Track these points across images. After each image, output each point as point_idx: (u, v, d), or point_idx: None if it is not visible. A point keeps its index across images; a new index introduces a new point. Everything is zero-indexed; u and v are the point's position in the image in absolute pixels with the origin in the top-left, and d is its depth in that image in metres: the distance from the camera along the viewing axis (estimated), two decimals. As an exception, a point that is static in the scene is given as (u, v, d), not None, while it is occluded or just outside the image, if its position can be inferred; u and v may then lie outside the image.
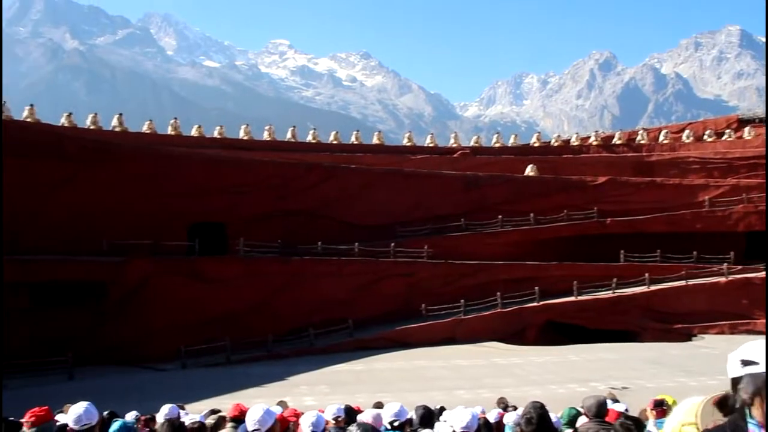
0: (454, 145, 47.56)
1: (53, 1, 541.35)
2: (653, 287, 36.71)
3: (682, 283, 37.10)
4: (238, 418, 5.35)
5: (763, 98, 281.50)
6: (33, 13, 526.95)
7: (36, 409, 5.26)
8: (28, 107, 36.49)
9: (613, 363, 26.88)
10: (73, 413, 4.90)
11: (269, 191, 34.52)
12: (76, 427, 4.84)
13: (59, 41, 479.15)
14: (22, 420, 6.79)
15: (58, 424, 6.76)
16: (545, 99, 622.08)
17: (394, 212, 37.27)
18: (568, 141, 51.56)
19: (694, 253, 38.52)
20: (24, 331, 25.97)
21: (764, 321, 33.63)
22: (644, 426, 6.91)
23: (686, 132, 50.32)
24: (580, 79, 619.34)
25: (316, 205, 35.80)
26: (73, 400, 5.68)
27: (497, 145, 48.55)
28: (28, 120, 35.61)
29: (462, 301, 33.47)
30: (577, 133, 55.97)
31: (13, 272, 26.63)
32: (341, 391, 21.02)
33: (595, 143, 49.41)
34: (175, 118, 42.61)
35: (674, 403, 6.99)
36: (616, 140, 50.03)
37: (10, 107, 35.00)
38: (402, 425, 5.20)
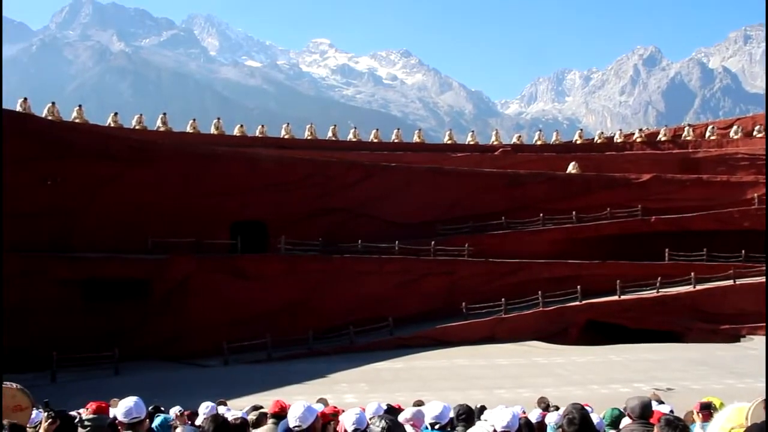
0: (495, 143, 47.26)
1: (101, 5, 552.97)
2: (699, 287, 35.89)
3: (730, 282, 36.20)
4: (279, 415, 5.39)
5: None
6: (82, 17, 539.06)
7: (99, 401, 5.61)
8: (76, 108, 37.43)
9: (657, 363, 26.36)
10: (123, 406, 5.02)
11: (310, 190, 34.72)
12: (125, 420, 4.95)
13: (106, 44, 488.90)
14: (71, 412, 6.98)
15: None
16: (588, 95, 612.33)
17: (435, 210, 37.16)
18: (611, 138, 50.82)
19: (743, 251, 37.59)
20: (76, 327, 26.61)
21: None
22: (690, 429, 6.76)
23: (734, 127, 49.07)
24: (623, 74, 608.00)
25: (357, 204, 35.90)
26: (120, 395, 5.84)
27: (539, 142, 48.05)
28: (77, 120, 36.52)
29: (503, 299, 33.22)
30: (620, 130, 55.13)
31: (65, 269, 27.44)
32: (381, 389, 21.06)
33: (639, 140, 48.55)
34: (218, 118, 43.23)
35: (721, 405, 6.84)
36: (661, 137, 49.06)
37: (59, 108, 35.95)
38: (443, 427, 5.15)
